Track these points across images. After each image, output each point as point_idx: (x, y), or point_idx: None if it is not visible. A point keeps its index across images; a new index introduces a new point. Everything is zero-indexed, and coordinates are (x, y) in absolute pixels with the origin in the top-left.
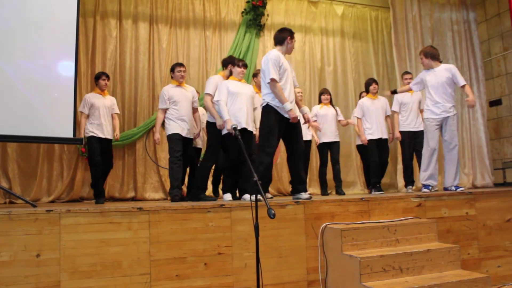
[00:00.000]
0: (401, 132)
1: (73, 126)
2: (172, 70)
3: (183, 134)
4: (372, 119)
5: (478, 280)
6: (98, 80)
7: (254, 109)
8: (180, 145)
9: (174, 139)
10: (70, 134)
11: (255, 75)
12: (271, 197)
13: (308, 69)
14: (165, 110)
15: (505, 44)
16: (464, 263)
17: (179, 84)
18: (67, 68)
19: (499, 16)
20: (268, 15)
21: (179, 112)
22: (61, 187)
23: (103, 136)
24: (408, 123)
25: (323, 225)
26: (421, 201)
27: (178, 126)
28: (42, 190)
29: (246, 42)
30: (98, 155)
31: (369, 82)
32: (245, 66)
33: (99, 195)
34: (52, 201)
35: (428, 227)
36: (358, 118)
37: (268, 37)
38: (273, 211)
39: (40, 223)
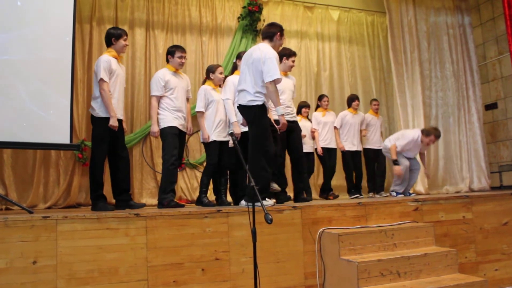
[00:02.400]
0: (367, 149)
1: (69, 132)
2: (172, 54)
3: (181, 128)
4: (350, 133)
5: (476, 284)
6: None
7: None
8: (177, 142)
9: (171, 133)
10: (66, 140)
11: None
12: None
13: (304, 74)
14: (159, 98)
15: (500, 48)
16: (461, 267)
17: (176, 71)
18: (63, 74)
19: (494, 20)
20: (264, 20)
21: (176, 102)
22: (57, 193)
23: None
24: (375, 141)
25: (321, 230)
26: (418, 205)
27: (175, 118)
28: (38, 197)
29: (242, 47)
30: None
31: (353, 98)
32: None
33: (102, 199)
34: (49, 208)
35: (425, 231)
36: (336, 128)
37: None
38: (270, 216)
39: (37, 230)
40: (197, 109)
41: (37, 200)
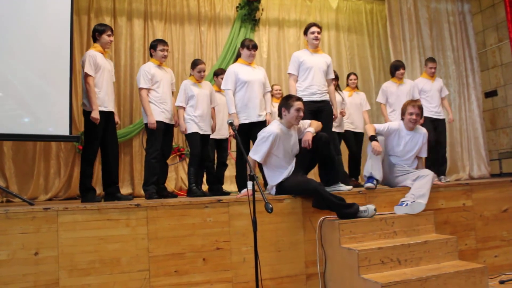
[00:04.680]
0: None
1: (69, 123)
2: (154, 47)
3: (167, 121)
4: (396, 105)
5: (476, 271)
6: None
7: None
8: (162, 136)
9: (157, 127)
10: (66, 132)
11: (217, 74)
12: None
13: None
14: (147, 91)
15: (500, 35)
16: (461, 254)
17: (160, 64)
18: (61, 65)
19: (494, 7)
20: (263, 9)
21: (161, 95)
22: (58, 185)
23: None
24: (430, 109)
25: (321, 218)
26: None
27: (161, 112)
28: (39, 188)
29: (241, 37)
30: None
31: (397, 65)
32: (255, 47)
33: (90, 191)
34: (50, 199)
35: (425, 219)
36: (382, 104)
37: (263, 32)
38: (270, 206)
39: (38, 221)
40: (176, 104)
41: (37, 192)
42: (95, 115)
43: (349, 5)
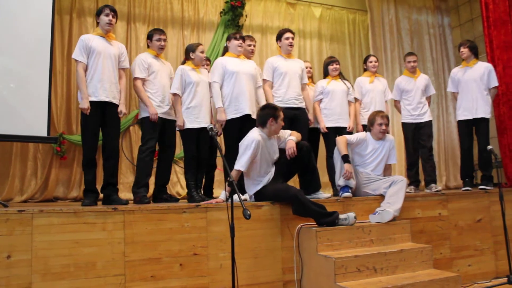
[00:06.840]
0: (405, 123)
1: (47, 124)
2: (150, 38)
3: (164, 116)
4: (468, 95)
5: (450, 279)
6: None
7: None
8: (157, 131)
9: (149, 122)
10: (44, 133)
11: None
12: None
13: None
14: (143, 81)
15: (478, 49)
16: (436, 263)
17: (158, 55)
18: (41, 66)
19: (472, 21)
20: (246, 16)
21: (158, 87)
22: (34, 187)
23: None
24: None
25: (299, 225)
26: None
27: (157, 106)
28: (14, 190)
29: (224, 42)
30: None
31: (458, 45)
32: (243, 38)
33: (88, 194)
34: (25, 201)
35: (402, 228)
36: (453, 93)
37: None
38: (248, 212)
39: (11, 224)
40: (171, 91)
41: (12, 194)
42: (82, 104)
43: (332, 14)
